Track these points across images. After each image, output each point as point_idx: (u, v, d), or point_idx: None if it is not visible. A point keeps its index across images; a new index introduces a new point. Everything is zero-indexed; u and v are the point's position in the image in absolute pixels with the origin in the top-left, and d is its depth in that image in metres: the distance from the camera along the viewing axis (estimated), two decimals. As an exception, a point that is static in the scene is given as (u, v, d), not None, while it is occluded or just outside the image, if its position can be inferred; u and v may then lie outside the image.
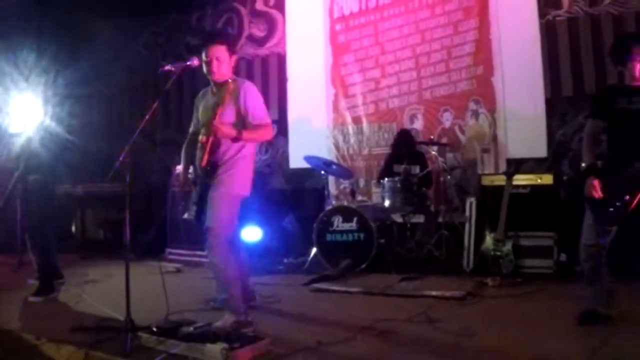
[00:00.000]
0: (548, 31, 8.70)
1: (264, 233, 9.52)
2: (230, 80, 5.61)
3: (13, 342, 5.39)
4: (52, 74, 7.85)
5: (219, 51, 5.56)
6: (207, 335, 4.62)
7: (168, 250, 9.73)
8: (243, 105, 5.49)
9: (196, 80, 9.94)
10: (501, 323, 5.36)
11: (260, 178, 10.61)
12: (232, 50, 5.66)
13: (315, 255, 8.40)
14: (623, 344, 4.51)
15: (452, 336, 4.96)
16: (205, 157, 5.49)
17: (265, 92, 10.87)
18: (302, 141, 9.99)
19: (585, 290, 5.56)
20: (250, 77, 10.97)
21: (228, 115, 5.50)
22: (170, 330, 4.85)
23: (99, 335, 5.15)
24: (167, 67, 5.55)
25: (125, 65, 12.81)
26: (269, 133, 5.71)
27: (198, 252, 9.17)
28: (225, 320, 5.18)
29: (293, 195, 10.36)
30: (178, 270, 8.37)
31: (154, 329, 4.92)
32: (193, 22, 12.13)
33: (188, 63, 5.56)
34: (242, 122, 5.49)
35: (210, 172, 5.46)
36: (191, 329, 4.77)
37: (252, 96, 5.54)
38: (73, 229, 11.30)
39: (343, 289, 6.92)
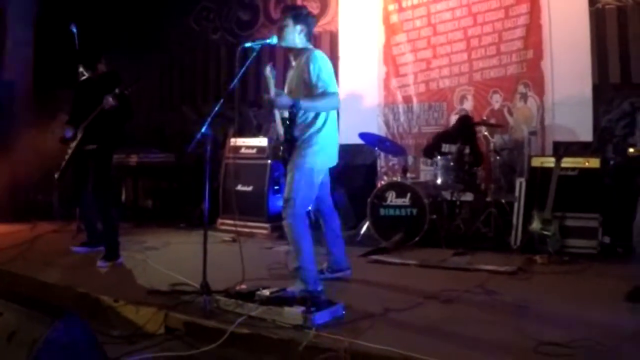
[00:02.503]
0: (597, 19, 8.76)
1: (314, 206, 9.85)
2: (302, 49, 5.88)
3: (91, 305, 5.65)
4: (104, 48, 8.09)
5: (284, 20, 5.88)
6: (284, 299, 4.90)
7: (220, 220, 9.99)
8: (307, 73, 5.67)
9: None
10: (554, 296, 5.64)
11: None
12: (297, 20, 5.86)
13: (367, 228, 8.73)
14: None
15: (510, 306, 5.28)
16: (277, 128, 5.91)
17: (316, 69, 11.16)
18: (352, 118, 10.19)
19: (631, 269, 5.89)
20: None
21: (297, 85, 5.81)
22: (247, 294, 5.12)
23: (175, 298, 5.47)
24: (248, 44, 5.80)
25: (175, 40, 13.09)
26: (332, 102, 5.69)
27: (249, 223, 9.52)
28: (295, 287, 5.48)
29: (342, 170, 10.56)
30: (234, 240, 8.57)
31: (231, 293, 5.24)
32: (245, -2, 12.27)
33: (267, 41, 5.85)
34: (310, 92, 5.69)
35: (288, 145, 5.78)
36: (267, 293, 5.03)
37: (315, 63, 5.65)
38: (123, 197, 11.63)
39: (400, 261, 7.23)
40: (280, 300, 4.91)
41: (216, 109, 5.47)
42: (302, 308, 4.65)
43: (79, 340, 3.40)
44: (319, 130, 5.75)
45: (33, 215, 10.78)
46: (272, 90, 5.70)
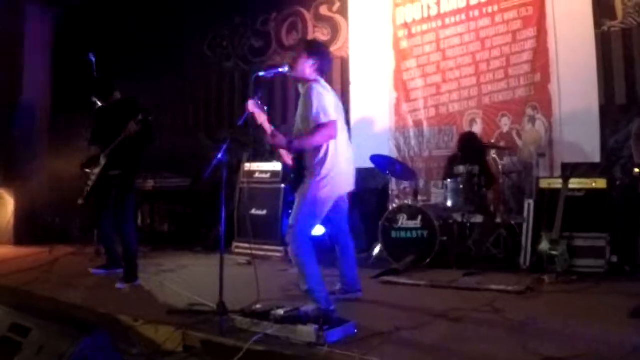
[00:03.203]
0: (603, 41, 8.89)
1: (328, 229, 9.99)
2: (308, 81, 6.04)
3: (111, 324, 5.82)
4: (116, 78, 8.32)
5: (297, 50, 6.16)
6: (298, 318, 5.07)
7: (235, 244, 10.15)
8: (305, 106, 5.90)
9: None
10: (561, 314, 5.76)
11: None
12: (310, 52, 6.06)
13: (379, 250, 8.88)
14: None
15: (517, 324, 5.41)
16: (285, 160, 6.12)
17: (328, 95, 11.35)
18: (364, 143, 10.32)
19: (639, 287, 6.05)
20: (313, 79, 11.43)
21: (301, 116, 6.02)
22: (262, 313, 5.29)
23: (193, 317, 5.65)
24: (261, 74, 5.99)
25: (189, 66, 13.30)
26: (325, 133, 5.77)
27: (264, 247, 9.68)
28: (307, 307, 5.63)
29: (355, 194, 10.69)
30: (249, 263, 8.74)
31: (247, 312, 5.43)
32: (258, 25, 12.50)
33: (280, 70, 6.06)
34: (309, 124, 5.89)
35: (295, 174, 6.01)
36: (282, 312, 5.20)
37: (309, 97, 5.84)
38: (139, 221, 11.80)
39: (411, 281, 7.38)
40: (294, 319, 5.08)
41: (228, 140, 5.67)
42: (316, 326, 4.83)
43: (105, 356, 3.58)
44: (322, 161, 5.90)
45: (51, 238, 11.01)
46: (267, 126, 5.96)
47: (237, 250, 9.91)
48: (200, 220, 11.62)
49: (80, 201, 7.91)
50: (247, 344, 4.73)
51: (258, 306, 5.56)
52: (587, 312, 5.85)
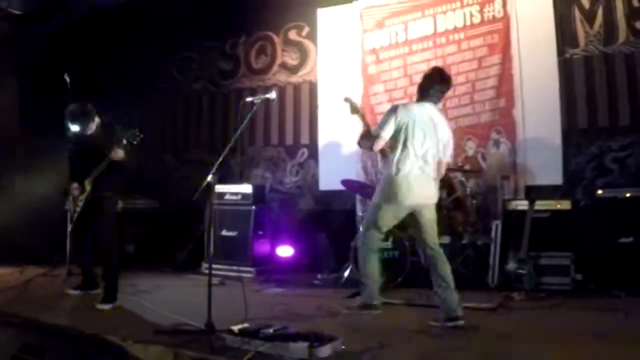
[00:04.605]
0: (565, 68, 9.27)
1: (296, 251, 10.17)
2: None
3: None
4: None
5: None
6: (288, 336, 5.26)
7: (205, 264, 10.25)
8: None
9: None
10: (533, 330, 6.11)
11: (291, 199, 11.24)
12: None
13: (351, 271, 9.03)
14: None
15: (491, 340, 5.70)
16: None
17: (296, 118, 11.58)
18: (331, 165, 10.57)
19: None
20: (282, 103, 11.66)
21: None
22: (251, 332, 5.44)
23: (180, 337, 5.75)
24: (249, 99, 6.21)
25: (157, 88, 13.37)
26: (367, 143, 6.65)
27: (234, 267, 9.79)
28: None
29: (323, 215, 10.93)
30: (222, 283, 8.90)
31: (236, 331, 5.57)
32: (227, 49, 12.62)
33: (267, 96, 6.28)
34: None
35: None
36: (271, 330, 5.39)
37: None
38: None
39: (386, 300, 7.57)
40: (285, 336, 5.26)
41: (219, 161, 5.85)
42: (306, 343, 5.01)
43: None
44: (387, 170, 6.58)
45: (19, 259, 10.98)
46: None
47: (206, 271, 9.97)
48: (167, 242, 11.66)
49: (70, 227, 7.97)
50: (241, 361, 4.90)
51: (245, 325, 5.71)
52: (558, 327, 6.17)
